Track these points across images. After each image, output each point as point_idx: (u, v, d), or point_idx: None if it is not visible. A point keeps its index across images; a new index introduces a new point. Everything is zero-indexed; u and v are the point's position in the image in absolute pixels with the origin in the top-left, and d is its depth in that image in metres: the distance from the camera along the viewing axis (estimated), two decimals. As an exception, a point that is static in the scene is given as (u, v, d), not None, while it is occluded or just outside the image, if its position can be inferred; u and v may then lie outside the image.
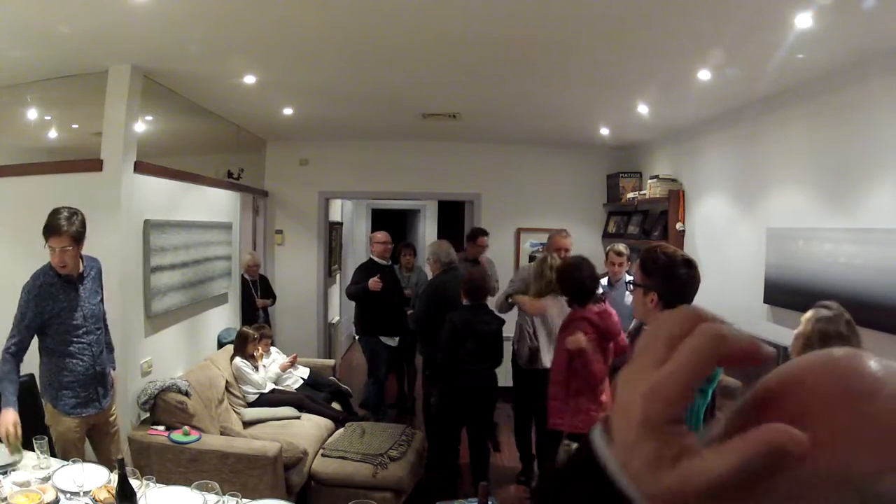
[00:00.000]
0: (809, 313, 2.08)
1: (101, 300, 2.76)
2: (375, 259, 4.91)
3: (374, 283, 4.59)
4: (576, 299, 3.00)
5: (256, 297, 5.22)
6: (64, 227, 2.44)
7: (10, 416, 2.31)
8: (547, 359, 3.62)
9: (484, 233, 4.91)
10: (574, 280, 2.99)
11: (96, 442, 2.73)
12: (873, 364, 0.33)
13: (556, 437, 2.89)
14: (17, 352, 2.47)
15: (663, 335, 0.34)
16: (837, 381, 0.33)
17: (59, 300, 2.54)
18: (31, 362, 3.13)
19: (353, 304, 8.17)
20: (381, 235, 5.01)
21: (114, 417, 2.80)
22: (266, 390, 4.02)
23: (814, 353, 0.36)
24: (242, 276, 5.14)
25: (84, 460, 2.18)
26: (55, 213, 2.47)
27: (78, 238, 2.49)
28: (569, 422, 2.85)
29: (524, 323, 3.86)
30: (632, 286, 2.49)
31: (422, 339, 4.32)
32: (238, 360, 4.02)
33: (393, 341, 4.88)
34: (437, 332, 3.63)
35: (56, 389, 2.58)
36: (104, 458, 2.68)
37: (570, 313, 3.04)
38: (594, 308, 2.96)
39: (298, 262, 5.92)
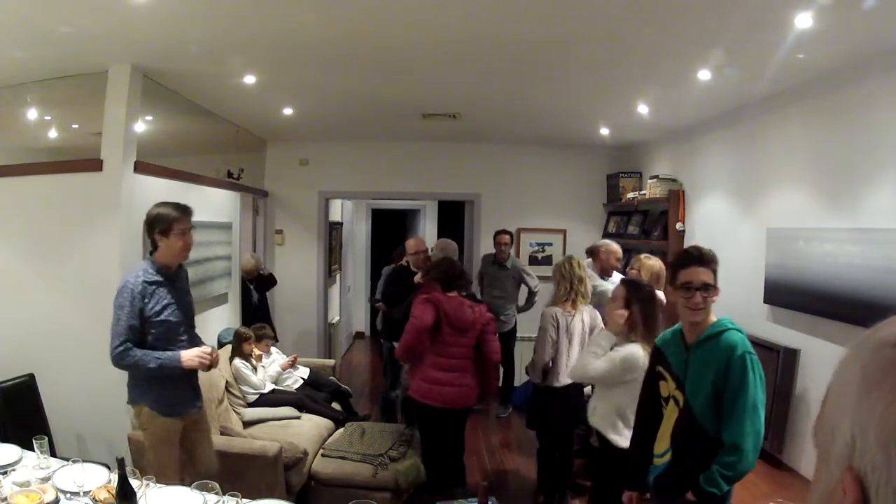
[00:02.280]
0: None
1: (191, 297, 2.75)
2: (414, 269, 4.37)
3: (419, 277, 4.07)
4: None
5: (253, 294, 5.23)
6: (184, 209, 2.54)
7: (191, 350, 2.53)
8: (563, 375, 3.31)
9: (500, 232, 5.11)
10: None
11: (192, 441, 2.68)
12: None
13: None
14: (132, 346, 2.43)
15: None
16: None
17: (160, 298, 2.51)
18: (32, 362, 3.14)
19: (353, 304, 8.25)
20: (414, 244, 4.44)
21: (205, 416, 2.80)
22: (266, 390, 4.02)
23: None
24: (242, 277, 5.15)
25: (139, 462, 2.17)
26: (163, 205, 2.53)
27: None
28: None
29: (549, 327, 3.35)
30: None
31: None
32: (237, 360, 4.02)
33: None
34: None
35: (155, 390, 2.52)
36: (200, 458, 2.69)
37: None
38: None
39: (298, 262, 5.93)
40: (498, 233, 5.14)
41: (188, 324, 2.66)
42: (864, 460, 0.44)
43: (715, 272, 1.92)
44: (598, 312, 3.47)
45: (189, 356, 2.52)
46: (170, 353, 2.50)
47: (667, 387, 2.05)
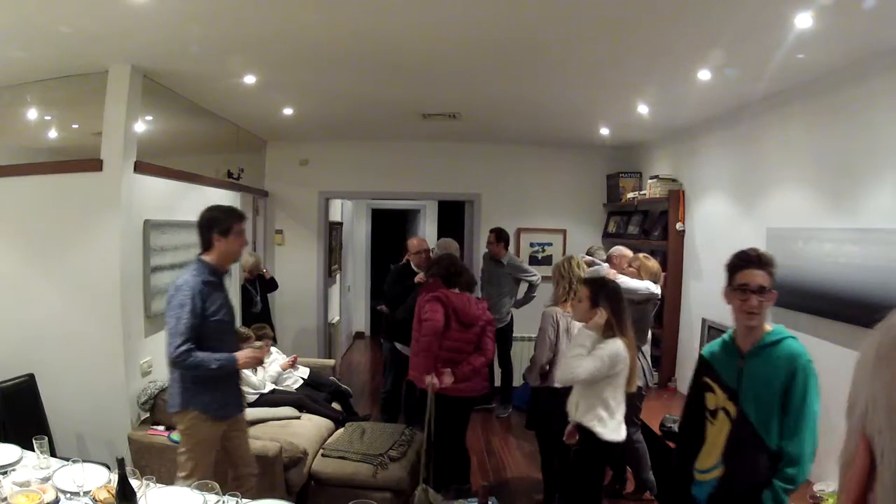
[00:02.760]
0: None
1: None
2: (414, 268, 4.48)
3: (420, 277, 4.19)
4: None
5: (256, 296, 5.22)
6: (241, 213, 2.67)
7: (245, 350, 2.66)
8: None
9: (492, 232, 5.19)
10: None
11: (233, 442, 2.69)
12: None
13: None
14: (193, 347, 2.42)
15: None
16: None
17: (215, 299, 2.54)
18: (32, 362, 3.14)
19: (353, 304, 8.24)
20: (416, 243, 4.54)
21: (244, 416, 2.82)
22: (266, 390, 4.02)
23: None
24: (244, 282, 5.15)
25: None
26: (218, 208, 2.65)
27: None
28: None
29: (548, 328, 3.38)
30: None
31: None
32: None
33: None
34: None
35: (209, 393, 2.52)
36: (243, 458, 2.72)
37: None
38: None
39: (298, 262, 5.93)
40: (491, 231, 5.25)
41: (234, 325, 2.71)
42: (873, 426, 0.50)
43: (772, 275, 1.87)
44: None
45: (244, 356, 2.58)
46: (226, 354, 2.52)
47: (714, 398, 1.97)
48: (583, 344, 2.68)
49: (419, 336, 3.44)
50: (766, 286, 1.85)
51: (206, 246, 2.58)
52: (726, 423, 1.90)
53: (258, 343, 2.54)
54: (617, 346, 2.63)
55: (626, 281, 3.60)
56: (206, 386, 2.51)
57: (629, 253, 4.06)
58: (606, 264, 4.05)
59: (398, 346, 4.44)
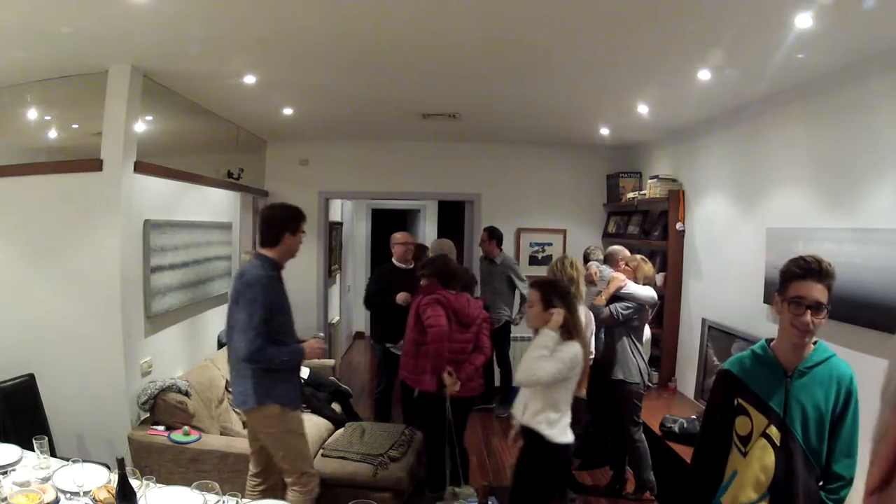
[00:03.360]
0: None
1: None
2: (396, 263, 4.52)
3: (402, 297, 4.12)
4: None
5: None
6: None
7: (310, 341, 2.71)
8: None
9: (485, 230, 5.26)
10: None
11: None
12: None
13: None
14: (266, 342, 2.49)
15: None
16: None
17: (280, 293, 2.64)
18: (32, 362, 3.14)
19: (353, 304, 8.24)
20: (401, 236, 4.61)
21: None
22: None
23: None
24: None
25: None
26: (287, 206, 2.73)
27: None
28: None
29: None
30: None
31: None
32: None
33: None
34: None
35: (281, 385, 2.60)
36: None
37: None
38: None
39: (298, 262, 5.80)
40: (484, 230, 5.30)
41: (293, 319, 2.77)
42: None
43: (830, 290, 1.66)
44: (591, 313, 3.50)
45: (311, 347, 2.67)
46: (295, 345, 2.62)
47: (748, 423, 1.73)
48: (545, 345, 2.62)
49: (416, 338, 3.44)
50: (824, 302, 1.64)
51: (273, 242, 2.64)
52: (768, 452, 1.69)
53: (320, 334, 2.72)
54: (576, 349, 2.60)
55: (636, 290, 3.62)
56: (278, 378, 2.58)
57: (627, 253, 4.09)
58: (608, 268, 4.05)
59: (389, 346, 4.48)
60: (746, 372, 1.77)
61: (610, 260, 4.17)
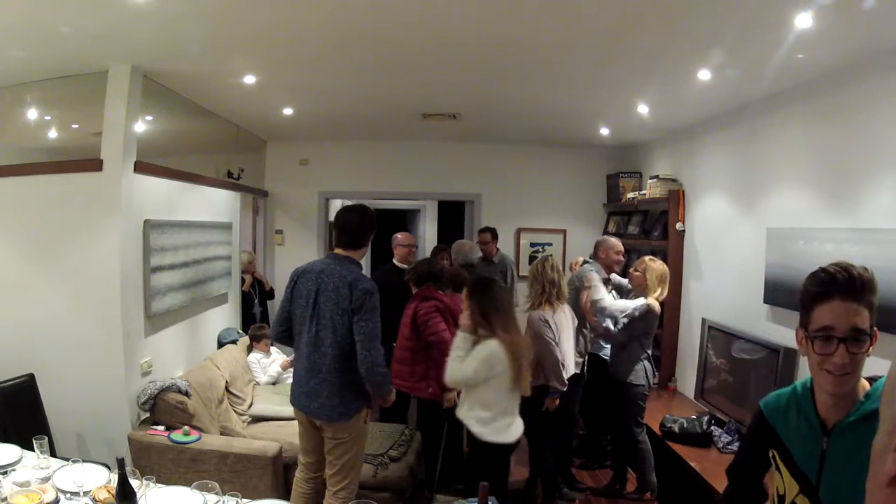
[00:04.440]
0: None
1: None
2: (398, 264, 4.47)
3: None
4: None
5: (254, 299, 5.24)
6: None
7: None
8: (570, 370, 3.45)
9: (481, 231, 5.20)
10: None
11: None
12: None
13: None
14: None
15: None
16: None
17: None
18: (32, 362, 3.14)
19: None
20: (403, 237, 4.61)
21: None
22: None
23: None
24: (242, 277, 5.15)
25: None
26: (367, 209, 2.74)
27: None
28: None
29: (544, 329, 3.40)
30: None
31: None
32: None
33: None
34: None
35: (364, 387, 2.61)
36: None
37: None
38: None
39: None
40: (480, 231, 5.25)
41: None
42: None
43: (873, 308, 1.16)
44: (572, 312, 3.56)
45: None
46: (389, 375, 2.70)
47: (781, 483, 1.33)
48: (459, 346, 2.65)
49: (413, 345, 3.44)
50: (864, 328, 1.14)
51: (359, 244, 2.62)
52: None
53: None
54: (492, 346, 2.58)
55: (609, 305, 3.58)
56: (362, 382, 2.58)
57: (617, 244, 3.95)
58: (589, 265, 3.91)
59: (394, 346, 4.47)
60: (781, 418, 1.33)
61: (596, 250, 4.02)
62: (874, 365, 1.73)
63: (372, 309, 2.45)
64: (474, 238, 5.98)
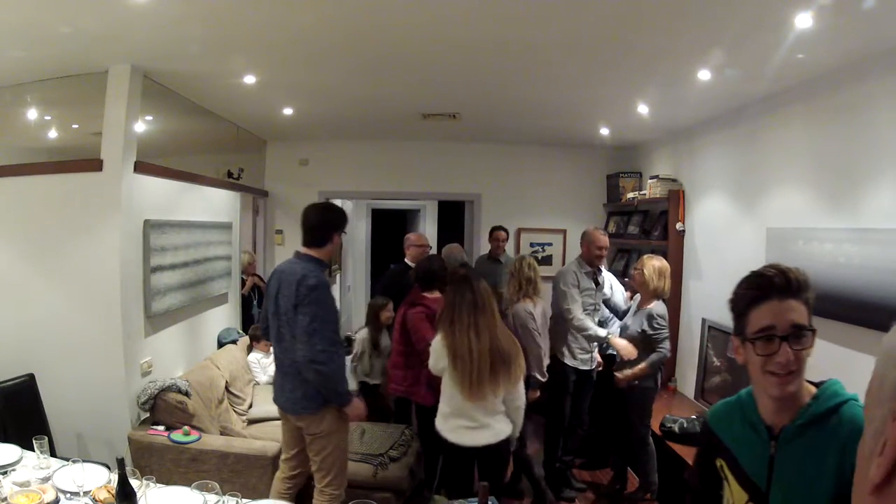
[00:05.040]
0: None
1: None
2: (411, 265, 4.34)
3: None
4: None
5: (254, 301, 5.25)
6: None
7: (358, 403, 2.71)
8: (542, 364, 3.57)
9: (497, 228, 5.25)
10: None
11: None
12: None
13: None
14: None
15: None
16: None
17: (332, 296, 2.65)
18: (32, 362, 3.14)
19: (353, 304, 8.23)
20: (415, 237, 4.52)
21: None
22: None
23: None
24: (242, 278, 5.16)
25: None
26: (334, 206, 2.78)
27: None
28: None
29: (529, 320, 3.53)
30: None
31: None
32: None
33: None
34: None
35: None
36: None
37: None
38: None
39: None
40: (495, 229, 5.25)
41: None
42: None
43: (810, 306, 1.15)
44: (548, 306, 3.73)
45: (357, 407, 2.69)
46: (347, 388, 2.66)
47: (729, 493, 1.28)
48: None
49: (404, 350, 3.45)
50: (805, 324, 1.13)
51: (322, 242, 2.62)
52: None
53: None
54: (436, 339, 2.66)
55: (579, 320, 3.61)
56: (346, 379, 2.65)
57: (600, 238, 3.84)
58: (572, 264, 3.89)
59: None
60: (726, 426, 1.31)
61: (580, 242, 3.98)
62: (863, 362, 1.71)
63: (313, 303, 2.44)
64: (475, 238, 6.01)
